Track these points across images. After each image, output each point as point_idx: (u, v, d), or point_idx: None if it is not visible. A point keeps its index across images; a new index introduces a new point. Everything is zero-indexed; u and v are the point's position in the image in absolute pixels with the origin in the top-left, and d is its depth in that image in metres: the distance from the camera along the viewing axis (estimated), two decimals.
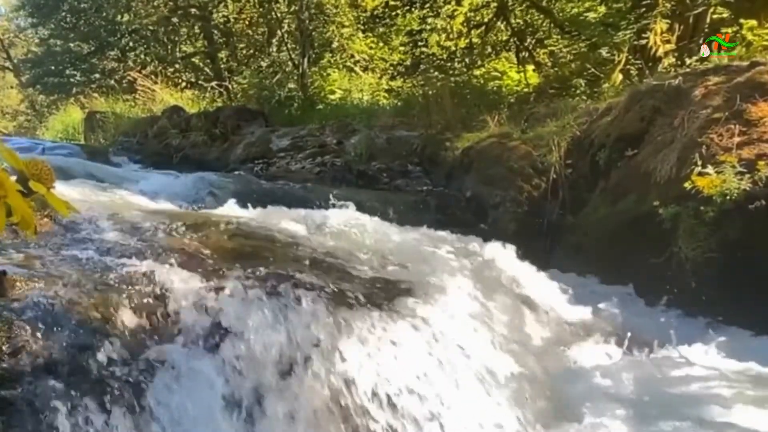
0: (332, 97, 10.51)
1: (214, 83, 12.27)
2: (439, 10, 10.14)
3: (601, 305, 3.67)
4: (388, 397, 2.03)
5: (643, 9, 6.84)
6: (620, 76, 7.02)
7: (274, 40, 12.63)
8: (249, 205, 3.65)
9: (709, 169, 3.62)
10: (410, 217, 4.63)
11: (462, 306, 2.65)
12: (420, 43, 10.95)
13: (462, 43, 10.36)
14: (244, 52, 13.78)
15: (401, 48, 11.58)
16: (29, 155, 0.84)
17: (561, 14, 9.38)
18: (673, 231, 3.73)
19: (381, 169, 6.53)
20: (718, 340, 3.01)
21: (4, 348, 1.47)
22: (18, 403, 1.38)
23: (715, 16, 6.67)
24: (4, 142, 0.80)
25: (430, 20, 10.49)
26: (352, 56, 11.56)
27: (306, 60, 10.94)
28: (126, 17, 13.33)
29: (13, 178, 0.75)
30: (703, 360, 2.90)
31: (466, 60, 10.30)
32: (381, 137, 7.02)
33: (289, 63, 11.59)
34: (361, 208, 3.84)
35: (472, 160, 5.69)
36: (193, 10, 12.90)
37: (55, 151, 7.46)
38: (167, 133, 8.57)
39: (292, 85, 11.09)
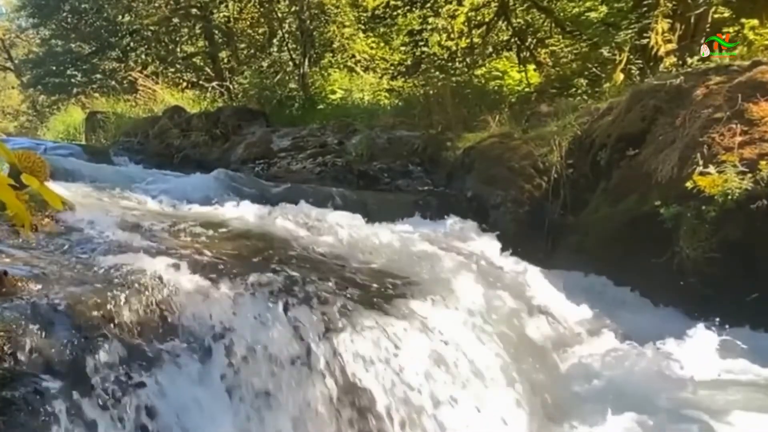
0: (333, 97, 10.51)
1: (215, 83, 12.28)
2: (440, 10, 10.13)
3: (602, 305, 3.68)
4: (388, 396, 2.03)
5: (645, 9, 6.85)
6: (621, 76, 7.02)
7: (275, 40, 12.64)
8: (252, 205, 3.65)
9: (711, 169, 3.62)
10: (411, 217, 4.65)
11: (462, 306, 2.65)
12: (421, 43, 10.94)
13: (463, 43, 10.35)
14: (245, 52, 13.78)
15: (402, 48, 11.57)
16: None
17: (562, 14, 9.38)
18: (674, 231, 3.73)
19: (382, 169, 6.53)
20: (720, 340, 3.00)
21: (4, 348, 1.46)
22: (18, 403, 1.38)
23: (716, 16, 6.67)
24: None
25: (431, 20, 10.48)
26: (353, 56, 11.56)
27: (307, 60, 10.94)
28: (127, 18, 13.36)
29: (6, 172, 0.74)
30: (705, 359, 2.90)
31: (467, 60, 10.29)
32: (382, 137, 7.02)
33: (290, 63, 11.60)
34: (362, 207, 3.84)
35: (473, 160, 5.68)
36: (194, 11, 12.91)
37: (57, 151, 7.45)
38: (168, 133, 8.57)
39: (293, 85, 11.10)
